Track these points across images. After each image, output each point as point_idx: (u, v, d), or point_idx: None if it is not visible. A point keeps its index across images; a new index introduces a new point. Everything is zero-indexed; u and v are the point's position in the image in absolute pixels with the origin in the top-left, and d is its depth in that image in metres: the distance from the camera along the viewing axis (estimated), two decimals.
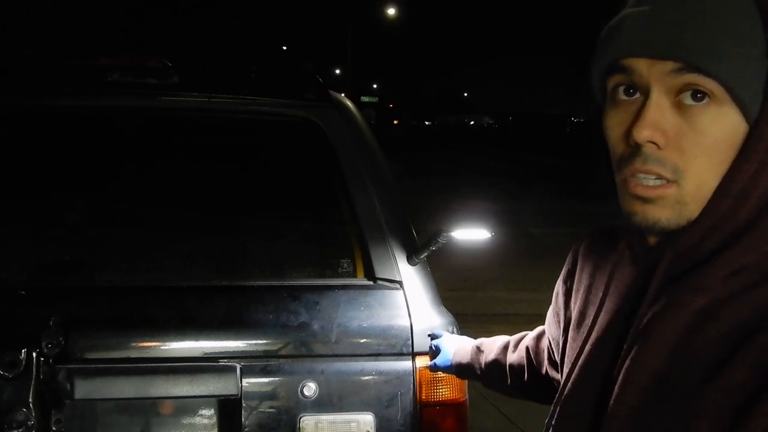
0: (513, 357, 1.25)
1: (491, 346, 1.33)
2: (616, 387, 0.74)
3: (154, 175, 1.89)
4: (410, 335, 1.61)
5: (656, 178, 0.69)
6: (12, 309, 1.55)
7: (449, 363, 1.45)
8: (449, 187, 15.02)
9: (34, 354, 1.42)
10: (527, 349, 1.22)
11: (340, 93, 2.09)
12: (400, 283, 1.68)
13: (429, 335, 1.60)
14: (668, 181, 0.69)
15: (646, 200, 0.71)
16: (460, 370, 1.42)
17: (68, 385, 1.48)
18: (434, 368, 1.51)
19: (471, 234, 1.73)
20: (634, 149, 0.70)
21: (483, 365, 1.33)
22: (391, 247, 1.71)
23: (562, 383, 0.87)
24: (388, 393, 1.58)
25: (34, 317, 1.49)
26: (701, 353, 0.67)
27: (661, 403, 0.69)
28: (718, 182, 0.69)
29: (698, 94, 0.67)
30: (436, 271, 1.83)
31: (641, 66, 0.69)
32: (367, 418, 1.57)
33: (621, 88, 0.72)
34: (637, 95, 0.71)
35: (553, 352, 1.08)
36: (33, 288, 1.63)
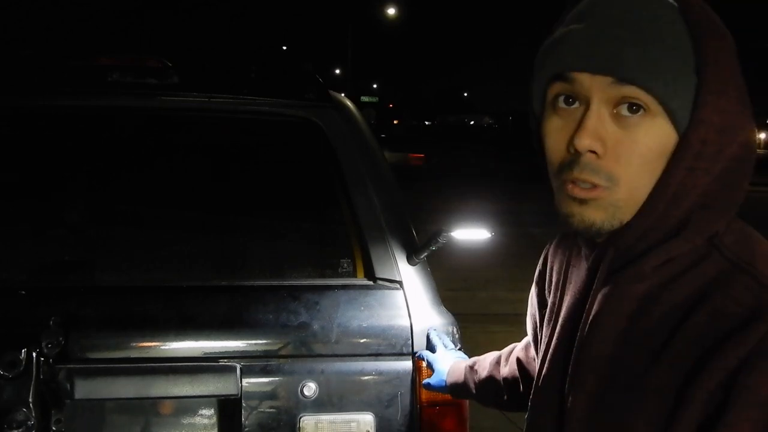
0: (505, 370, 1.23)
1: (483, 363, 1.31)
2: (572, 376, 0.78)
3: (155, 175, 1.89)
4: (410, 335, 1.61)
5: (590, 185, 0.74)
6: (12, 309, 1.55)
7: (443, 384, 1.42)
8: (449, 187, 15.01)
9: (34, 354, 1.42)
10: (518, 360, 1.20)
11: (340, 93, 2.09)
12: (400, 283, 1.68)
13: (420, 354, 1.55)
14: (601, 187, 0.74)
15: (582, 202, 0.75)
16: (454, 390, 1.39)
17: (68, 385, 1.48)
18: (428, 387, 1.48)
19: (471, 234, 1.73)
20: (574, 157, 0.74)
21: (477, 383, 1.30)
22: (391, 247, 1.70)
23: (535, 379, 0.90)
24: (388, 393, 1.58)
25: (34, 317, 1.49)
26: (646, 336, 0.72)
27: (614, 386, 0.74)
28: (650, 187, 0.74)
29: (634, 107, 0.72)
30: (436, 271, 1.83)
31: (583, 78, 0.73)
32: (367, 418, 1.57)
33: (561, 98, 0.76)
34: (577, 105, 0.75)
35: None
36: (33, 288, 1.63)
